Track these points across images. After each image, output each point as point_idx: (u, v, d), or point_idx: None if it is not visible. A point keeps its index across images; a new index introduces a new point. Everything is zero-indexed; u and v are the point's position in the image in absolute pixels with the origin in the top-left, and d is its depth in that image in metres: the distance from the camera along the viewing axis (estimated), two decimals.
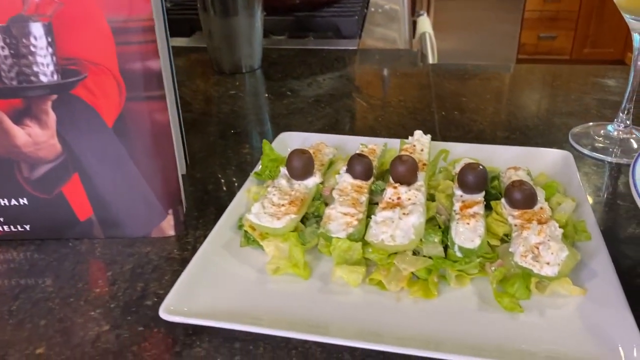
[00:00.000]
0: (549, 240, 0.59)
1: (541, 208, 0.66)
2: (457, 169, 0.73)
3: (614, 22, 4.77)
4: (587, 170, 0.86)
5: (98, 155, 0.67)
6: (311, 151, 0.80)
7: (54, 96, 0.64)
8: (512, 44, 4.77)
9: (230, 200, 0.73)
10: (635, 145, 0.91)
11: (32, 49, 0.61)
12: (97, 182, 0.69)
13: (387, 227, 0.62)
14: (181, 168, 0.86)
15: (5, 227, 0.71)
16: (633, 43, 0.87)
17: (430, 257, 0.62)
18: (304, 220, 0.70)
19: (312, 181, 0.73)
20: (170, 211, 0.71)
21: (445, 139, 0.96)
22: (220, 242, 0.66)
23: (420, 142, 0.79)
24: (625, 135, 0.93)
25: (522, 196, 0.66)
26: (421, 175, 0.71)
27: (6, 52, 0.61)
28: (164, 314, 0.55)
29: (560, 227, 0.63)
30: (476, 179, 0.68)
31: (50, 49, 0.62)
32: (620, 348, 0.51)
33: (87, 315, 0.60)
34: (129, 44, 0.62)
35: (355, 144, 0.85)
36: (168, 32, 0.80)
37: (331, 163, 0.81)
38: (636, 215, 0.74)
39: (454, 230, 0.63)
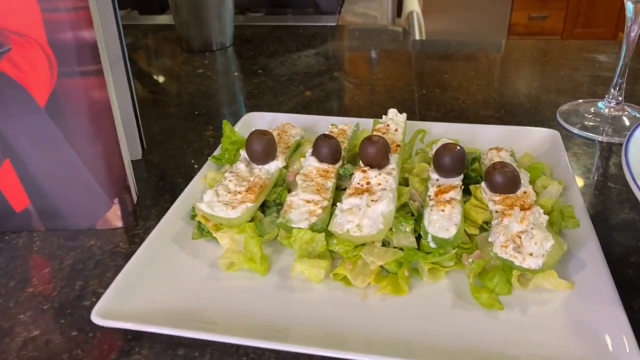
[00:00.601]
0: (532, 228, 0.53)
1: (525, 192, 0.60)
2: (435, 150, 0.66)
3: (605, 1, 4.70)
4: (576, 151, 0.79)
5: (31, 139, 0.60)
6: (276, 132, 0.73)
7: None
8: (503, 24, 4.69)
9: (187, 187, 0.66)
10: (627, 123, 0.85)
11: None
12: (32, 168, 0.62)
13: (354, 216, 0.56)
14: (135, 152, 0.79)
15: None
16: (626, 13, 0.80)
17: (401, 249, 0.56)
18: (264, 208, 0.63)
19: (275, 165, 0.66)
20: (116, 200, 0.64)
21: (424, 118, 0.89)
22: (170, 234, 0.60)
23: (394, 122, 0.72)
24: (616, 113, 0.86)
25: (504, 179, 0.59)
26: (394, 158, 0.65)
27: None
28: (96, 317, 0.48)
29: (545, 213, 0.57)
30: (453, 161, 0.61)
31: None
32: (610, 349, 0.45)
33: (16, 318, 0.53)
34: (56, 10, 0.54)
35: (326, 124, 0.78)
36: (116, 2, 0.72)
37: (298, 145, 0.74)
38: (628, 199, 0.68)
39: (427, 218, 0.56)
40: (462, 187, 0.61)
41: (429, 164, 0.67)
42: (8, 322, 0.53)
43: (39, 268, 0.60)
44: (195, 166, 0.79)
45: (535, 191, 0.61)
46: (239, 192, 0.60)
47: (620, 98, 0.86)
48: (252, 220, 0.60)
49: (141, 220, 0.67)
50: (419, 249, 0.55)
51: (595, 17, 4.99)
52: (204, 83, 1.06)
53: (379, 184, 0.60)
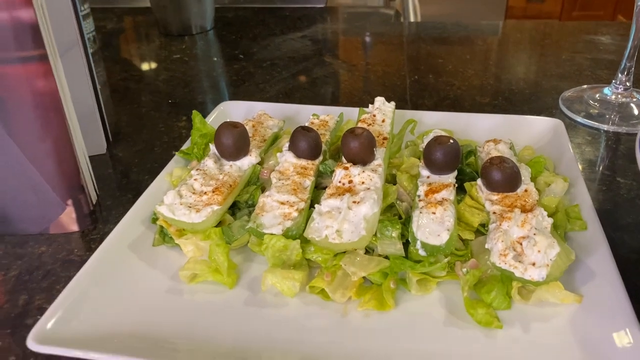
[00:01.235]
0: (534, 234, 0.46)
1: (526, 191, 0.53)
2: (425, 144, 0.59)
3: None
4: (580, 141, 0.73)
5: None
6: (250, 124, 0.66)
7: None
8: (500, 8, 4.61)
9: None
10: (636, 111, 0.78)
11: None
12: None
13: (333, 220, 0.49)
14: (97, 147, 0.72)
15: None
16: None
17: (386, 257, 0.49)
18: (235, 210, 0.56)
19: (247, 161, 0.59)
20: (70, 202, 0.58)
21: (416, 107, 0.83)
22: (127, 240, 0.53)
23: (381, 111, 0.65)
24: (624, 99, 0.80)
25: (502, 176, 0.53)
26: (380, 152, 0.58)
27: None
28: (32, 343, 0.42)
29: (549, 215, 0.50)
30: (446, 156, 0.55)
31: None
32: None
33: None
34: None
35: (309, 114, 0.71)
36: None
37: (276, 138, 0.67)
38: None
39: (415, 222, 0.50)
40: (456, 185, 0.55)
41: (419, 158, 0.60)
42: None
43: None
44: (164, 159, 0.72)
45: (537, 189, 0.54)
46: (205, 193, 0.54)
47: (628, 83, 0.79)
48: (219, 224, 0.53)
49: (100, 223, 0.60)
50: (406, 257, 0.49)
51: None
52: (180, 69, 0.98)
53: (363, 183, 0.53)
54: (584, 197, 0.55)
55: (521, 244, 0.46)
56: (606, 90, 0.82)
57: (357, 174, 0.54)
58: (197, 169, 0.57)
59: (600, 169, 0.68)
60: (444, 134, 0.62)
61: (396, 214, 0.53)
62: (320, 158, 0.59)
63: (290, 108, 0.75)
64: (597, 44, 1.05)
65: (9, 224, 0.58)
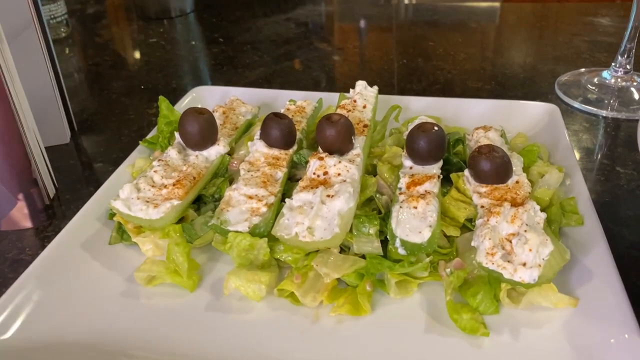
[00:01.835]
0: (525, 230, 0.42)
1: (517, 182, 0.49)
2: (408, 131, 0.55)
3: None
4: (577, 128, 0.68)
5: None
6: (221, 110, 0.61)
7: None
8: None
9: None
10: (636, 96, 0.74)
11: None
12: None
13: (304, 216, 0.45)
14: (60, 136, 0.67)
15: None
16: None
17: (363, 257, 0.44)
18: (200, 205, 0.52)
19: (215, 151, 0.54)
20: (21, 196, 0.53)
21: (404, 92, 0.78)
22: (80, 238, 0.49)
23: (362, 96, 0.61)
24: (624, 83, 0.75)
25: (492, 166, 0.48)
26: (359, 141, 0.53)
27: None
28: None
29: (542, 209, 0.46)
30: (430, 145, 0.50)
31: None
32: None
33: None
34: None
35: (287, 100, 0.66)
36: None
37: (249, 126, 0.62)
38: None
39: (395, 217, 0.45)
40: (441, 176, 0.50)
41: (403, 148, 0.56)
42: None
43: None
44: (130, 148, 0.67)
45: (530, 180, 0.50)
46: (165, 186, 0.49)
47: (629, 66, 0.74)
48: (181, 221, 0.48)
49: (57, 219, 0.56)
50: (385, 256, 0.44)
51: None
52: (156, 54, 0.93)
53: (339, 175, 0.49)
54: (581, 188, 0.51)
55: (511, 242, 0.42)
56: (605, 73, 0.77)
57: (333, 164, 0.49)
58: (158, 160, 0.52)
59: (598, 157, 0.63)
60: (430, 120, 0.57)
61: (375, 209, 0.49)
62: (295, 147, 0.55)
63: (267, 93, 0.70)
64: (596, 25, 1.00)
65: None
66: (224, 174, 0.54)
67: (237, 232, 0.45)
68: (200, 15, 1.11)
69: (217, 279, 0.46)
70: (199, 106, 0.63)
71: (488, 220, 0.44)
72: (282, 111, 0.60)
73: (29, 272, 0.44)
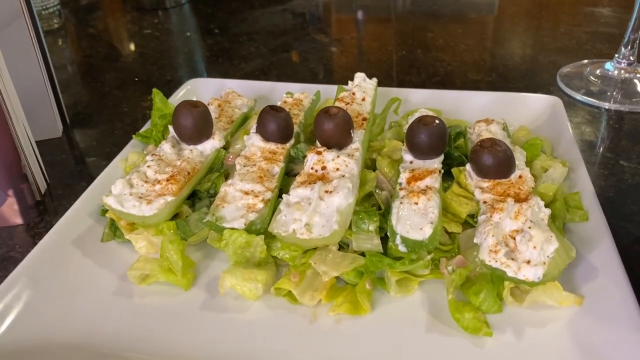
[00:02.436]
0: (530, 227, 0.41)
1: (520, 177, 0.48)
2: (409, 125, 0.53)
3: None
4: (580, 121, 0.67)
5: None
6: (216, 103, 0.60)
7: None
8: None
9: None
10: None
11: None
12: None
13: (302, 213, 0.43)
14: (51, 130, 0.66)
15: None
16: None
17: (362, 254, 0.43)
18: (195, 201, 0.50)
19: (210, 145, 0.53)
20: (11, 192, 0.52)
21: (403, 84, 0.76)
22: (71, 235, 0.47)
23: (361, 89, 0.59)
24: (627, 75, 0.74)
25: (494, 161, 0.47)
26: (358, 135, 0.52)
27: None
28: None
29: (546, 204, 0.45)
30: (430, 139, 0.49)
31: None
32: None
33: None
34: None
35: (284, 92, 0.65)
36: None
37: (245, 119, 0.61)
38: None
39: (395, 213, 0.44)
40: (442, 170, 0.49)
41: (403, 141, 0.54)
42: None
43: None
44: (123, 142, 0.65)
45: (533, 175, 0.49)
46: (159, 182, 0.47)
47: (632, 58, 0.73)
48: (175, 217, 0.47)
49: (48, 215, 0.54)
50: (385, 254, 0.43)
51: None
52: (150, 45, 0.92)
53: (337, 170, 0.47)
54: (585, 183, 0.49)
55: (514, 239, 0.41)
56: (608, 65, 0.76)
57: (331, 159, 0.48)
58: (152, 154, 0.51)
59: (602, 151, 0.62)
60: (430, 113, 0.55)
61: (375, 205, 0.48)
62: (292, 141, 0.53)
63: (264, 86, 0.69)
64: (598, 16, 0.99)
65: None
66: (219, 169, 0.53)
67: (232, 229, 0.44)
68: (196, 5, 1.10)
69: (213, 277, 0.45)
70: (194, 99, 0.62)
71: (491, 216, 0.43)
72: (279, 104, 0.58)
73: (19, 270, 0.43)
